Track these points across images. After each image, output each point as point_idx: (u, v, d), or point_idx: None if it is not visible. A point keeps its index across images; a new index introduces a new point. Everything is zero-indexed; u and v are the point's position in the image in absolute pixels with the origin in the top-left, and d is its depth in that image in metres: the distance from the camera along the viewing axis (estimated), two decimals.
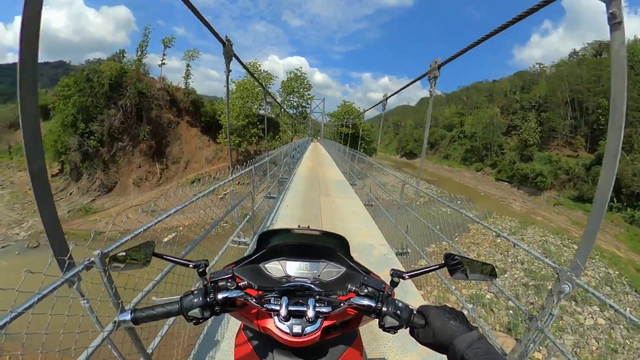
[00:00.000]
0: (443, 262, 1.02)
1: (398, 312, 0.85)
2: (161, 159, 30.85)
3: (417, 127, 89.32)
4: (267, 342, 0.99)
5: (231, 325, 2.98)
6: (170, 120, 32.48)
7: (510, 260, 21.30)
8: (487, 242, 24.28)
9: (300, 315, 0.86)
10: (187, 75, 41.77)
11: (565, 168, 45.38)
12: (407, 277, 0.95)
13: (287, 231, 1.27)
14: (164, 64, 37.51)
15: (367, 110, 17.70)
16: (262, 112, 42.61)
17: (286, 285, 1.00)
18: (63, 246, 1.50)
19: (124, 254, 0.97)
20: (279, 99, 49.10)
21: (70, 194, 27.85)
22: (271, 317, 0.89)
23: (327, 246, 1.26)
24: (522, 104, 60.18)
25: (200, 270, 0.93)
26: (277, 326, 0.86)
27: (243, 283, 0.90)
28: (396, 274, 0.94)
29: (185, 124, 33.57)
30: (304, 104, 54.81)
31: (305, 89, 52.56)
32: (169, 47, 38.08)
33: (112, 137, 28.69)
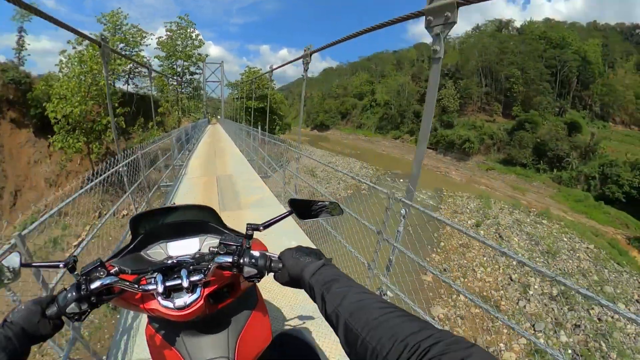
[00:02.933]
0: (290, 208, 1.11)
1: (253, 260, 0.89)
2: None
3: (325, 98, 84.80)
4: (173, 327, 1.01)
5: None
6: None
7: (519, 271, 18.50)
8: (475, 244, 20.76)
9: (180, 289, 0.88)
10: (21, 46, 27.37)
11: (490, 133, 46.70)
12: (262, 228, 0.99)
13: (155, 212, 1.23)
14: None
15: (276, 68, 11.95)
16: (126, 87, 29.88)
17: (162, 264, 0.97)
18: None
19: None
20: (155, 66, 34.66)
21: None
22: (154, 298, 0.89)
23: (200, 220, 1.26)
24: None
25: (70, 267, 0.88)
26: (161, 304, 0.87)
27: (114, 269, 0.88)
28: (251, 227, 0.98)
29: (8, 125, 19.83)
30: (193, 70, 39.42)
31: (194, 46, 37.49)
32: None
33: None
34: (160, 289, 0.85)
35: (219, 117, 51.26)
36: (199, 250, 1.19)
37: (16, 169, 19.63)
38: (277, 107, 41.43)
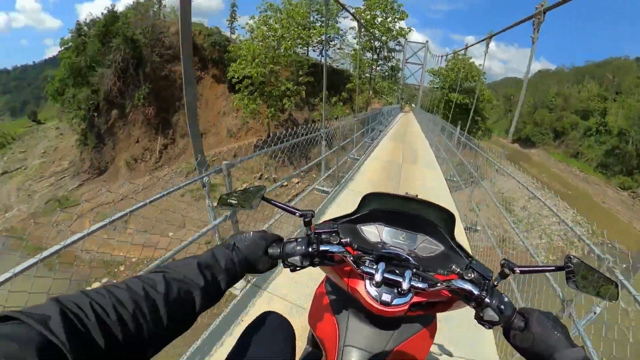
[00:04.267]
0: (563, 264, 0.88)
1: (502, 306, 0.77)
2: (167, 130, 21.57)
3: (536, 107, 67.87)
4: (346, 301, 1.02)
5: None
6: None
7: None
8: None
9: (392, 284, 0.84)
10: (233, 17, 30.81)
11: None
12: (518, 271, 0.82)
13: (392, 196, 1.19)
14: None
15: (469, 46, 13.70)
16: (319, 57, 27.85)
17: (384, 251, 0.96)
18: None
19: (234, 195, 1.02)
20: (352, 42, 31.55)
21: (65, 177, 22.65)
22: (362, 280, 0.87)
23: (431, 220, 1.17)
24: None
25: (307, 220, 0.91)
26: (367, 290, 0.85)
27: (345, 240, 0.89)
28: (507, 266, 0.81)
29: (210, 80, 22.84)
30: (392, 46, 33.76)
31: (396, 18, 31.24)
32: None
33: (111, 103, 20.99)
34: (379, 278, 0.82)
35: (413, 105, 47.90)
36: (414, 249, 1.14)
37: (207, 116, 22.54)
38: (483, 106, 34.29)
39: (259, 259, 0.83)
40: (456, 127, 10.02)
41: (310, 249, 0.84)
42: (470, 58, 32.33)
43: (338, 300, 1.05)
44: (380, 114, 14.61)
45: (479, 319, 0.80)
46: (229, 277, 0.75)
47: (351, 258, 0.85)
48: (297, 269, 0.87)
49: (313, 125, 5.12)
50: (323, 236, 0.87)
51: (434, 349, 2.35)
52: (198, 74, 22.01)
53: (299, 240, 0.86)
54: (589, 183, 45.28)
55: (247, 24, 21.38)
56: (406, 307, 0.82)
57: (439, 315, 1.03)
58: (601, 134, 51.73)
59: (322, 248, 0.84)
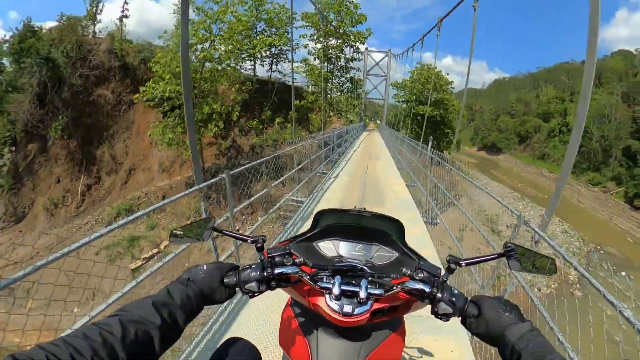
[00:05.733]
0: (502, 251, 0.98)
1: (453, 299, 0.84)
2: (91, 167, 18.13)
3: (498, 114, 69.77)
4: (313, 319, 1.03)
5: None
6: (118, 101, 18.95)
7: None
8: None
9: (352, 295, 0.87)
10: (123, 14, 22.57)
11: None
12: (463, 264, 0.90)
13: (343, 211, 1.23)
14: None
15: (444, 18, 11.69)
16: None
17: (339, 264, 1.00)
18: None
19: (184, 228, 1.00)
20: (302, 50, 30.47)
21: None
22: (323, 295, 0.89)
23: (382, 230, 1.22)
24: None
25: (259, 245, 0.93)
26: (328, 304, 0.87)
27: (299, 260, 0.91)
28: (453, 261, 0.89)
29: (142, 104, 18.75)
30: (349, 54, 30.72)
31: (352, 20, 28.24)
32: None
33: (30, 135, 17.36)
34: (337, 291, 0.84)
35: (378, 121, 46.35)
36: (370, 258, 1.17)
37: (138, 148, 19.41)
38: (453, 117, 32.81)
39: (216, 289, 0.83)
40: (427, 144, 9.38)
41: (265, 274, 0.84)
42: (436, 68, 30.73)
43: (305, 319, 1.04)
44: (331, 141, 11.15)
45: (435, 313, 0.83)
46: (186, 313, 0.74)
47: (307, 276, 0.86)
48: (256, 294, 0.86)
49: (262, 152, 3.58)
50: (277, 259, 0.86)
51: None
52: (129, 98, 18.65)
53: (253, 266, 0.86)
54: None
55: (164, 33, 16.68)
56: (367, 315, 0.83)
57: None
58: (564, 133, 52.14)
59: (276, 271, 0.84)
